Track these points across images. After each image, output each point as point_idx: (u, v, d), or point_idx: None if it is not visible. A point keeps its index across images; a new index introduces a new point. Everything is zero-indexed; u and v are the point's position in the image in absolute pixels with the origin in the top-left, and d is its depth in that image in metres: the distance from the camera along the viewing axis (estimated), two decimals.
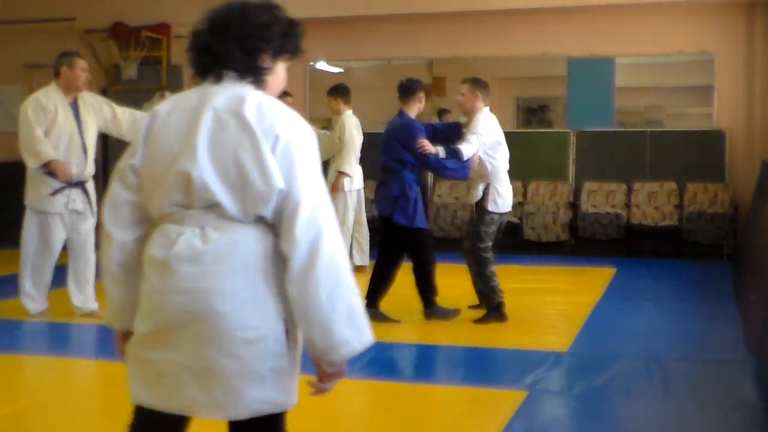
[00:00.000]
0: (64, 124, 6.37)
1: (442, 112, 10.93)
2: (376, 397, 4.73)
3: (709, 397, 4.67)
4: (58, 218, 6.39)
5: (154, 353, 2.32)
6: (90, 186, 6.59)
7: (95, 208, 6.54)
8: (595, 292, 7.72)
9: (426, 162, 6.31)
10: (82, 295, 6.58)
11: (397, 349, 5.71)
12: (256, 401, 2.29)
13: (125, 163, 2.39)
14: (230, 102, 2.30)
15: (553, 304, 7.10)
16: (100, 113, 6.59)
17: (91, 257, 6.57)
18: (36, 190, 6.38)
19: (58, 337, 6.17)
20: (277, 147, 2.25)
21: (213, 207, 2.27)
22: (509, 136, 6.68)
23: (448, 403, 4.59)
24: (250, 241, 2.28)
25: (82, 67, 6.46)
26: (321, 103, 11.80)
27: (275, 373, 2.29)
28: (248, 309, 2.26)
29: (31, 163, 6.28)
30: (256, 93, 2.33)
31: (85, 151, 6.46)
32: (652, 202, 10.26)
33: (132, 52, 11.41)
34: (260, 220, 2.29)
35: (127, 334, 2.44)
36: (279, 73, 2.43)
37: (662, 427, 4.15)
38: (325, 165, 8.45)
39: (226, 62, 2.34)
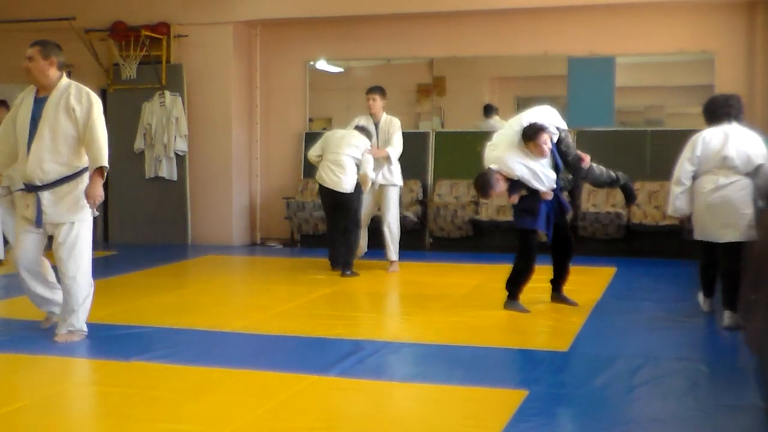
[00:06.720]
0: None
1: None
2: (375, 397, 4.72)
3: (709, 397, 4.67)
4: None
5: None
6: None
7: None
8: (596, 292, 7.72)
9: None
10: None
11: (396, 349, 5.71)
12: (746, 234, 6.07)
13: (688, 156, 6.43)
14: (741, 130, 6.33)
15: (553, 304, 7.09)
16: None
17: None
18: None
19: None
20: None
21: (732, 168, 6.17)
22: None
23: (448, 403, 4.58)
24: (745, 180, 6.16)
25: None
26: (321, 103, 11.82)
27: (750, 224, 6.04)
28: (747, 202, 6.11)
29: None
30: (742, 127, 6.33)
31: None
32: (653, 202, 10.24)
33: (132, 51, 11.42)
34: (747, 173, 6.16)
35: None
36: None
37: (662, 427, 4.15)
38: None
39: (734, 116, 6.37)
